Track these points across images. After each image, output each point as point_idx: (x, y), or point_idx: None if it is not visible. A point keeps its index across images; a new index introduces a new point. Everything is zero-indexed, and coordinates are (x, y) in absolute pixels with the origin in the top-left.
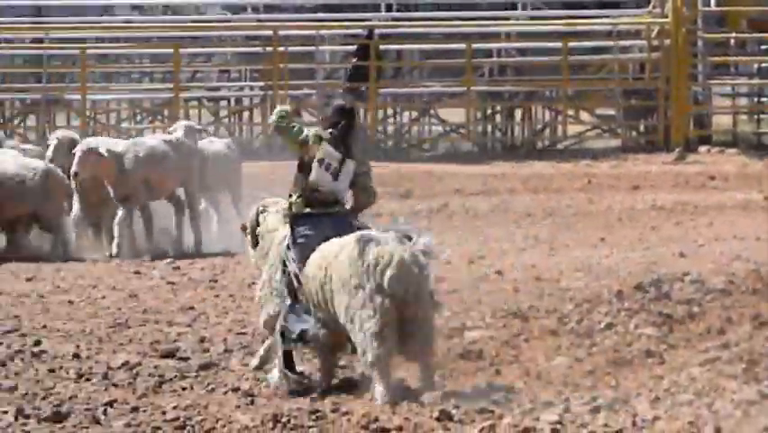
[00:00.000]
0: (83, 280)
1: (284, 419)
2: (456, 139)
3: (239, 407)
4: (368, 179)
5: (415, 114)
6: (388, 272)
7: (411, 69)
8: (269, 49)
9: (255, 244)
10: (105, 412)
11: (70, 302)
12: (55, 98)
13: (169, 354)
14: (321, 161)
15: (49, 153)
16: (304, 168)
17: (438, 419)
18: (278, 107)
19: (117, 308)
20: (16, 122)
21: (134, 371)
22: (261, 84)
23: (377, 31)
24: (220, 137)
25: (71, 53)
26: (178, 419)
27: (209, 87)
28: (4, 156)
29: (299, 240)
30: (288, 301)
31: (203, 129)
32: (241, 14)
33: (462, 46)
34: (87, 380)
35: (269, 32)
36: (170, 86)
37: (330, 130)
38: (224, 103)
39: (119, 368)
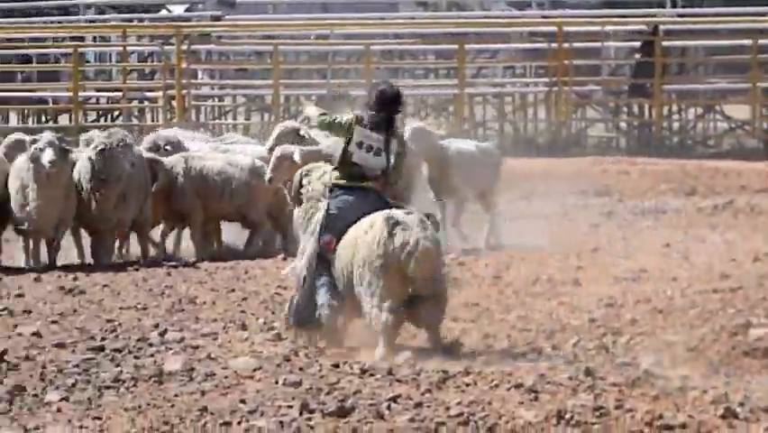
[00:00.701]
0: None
1: (567, 416)
2: (741, 135)
3: (522, 403)
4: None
5: (699, 110)
6: (413, 262)
7: (696, 66)
8: (553, 45)
9: (299, 203)
10: (388, 407)
11: None
12: (340, 94)
13: (452, 350)
14: (360, 144)
15: (269, 143)
16: (348, 146)
17: (723, 417)
18: (308, 110)
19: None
20: (299, 119)
21: (418, 367)
22: (546, 80)
23: (662, 27)
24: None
25: (356, 49)
26: (461, 414)
27: (494, 84)
28: (214, 154)
29: (332, 211)
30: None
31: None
32: (525, 11)
33: (748, 42)
34: (371, 375)
35: (554, 29)
36: (455, 82)
37: (371, 113)
38: (508, 99)
39: (403, 364)
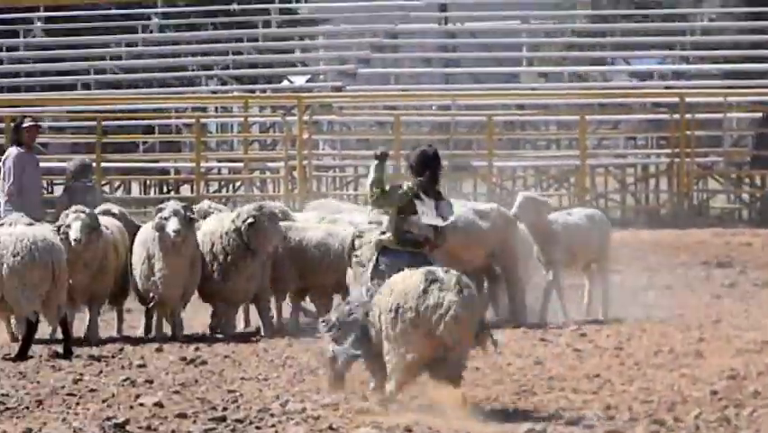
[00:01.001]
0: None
1: None
2: None
3: None
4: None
5: None
6: (442, 324)
7: None
8: (675, 116)
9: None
10: None
11: (477, 369)
12: (462, 165)
13: (574, 422)
14: (422, 212)
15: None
16: (401, 212)
17: None
18: (369, 180)
19: (523, 374)
20: None
21: None
22: (668, 151)
23: None
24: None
25: (478, 120)
26: None
27: (615, 155)
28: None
29: (380, 267)
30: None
31: None
32: (647, 81)
33: None
34: None
35: (676, 99)
36: (577, 153)
37: (420, 178)
38: (630, 170)
39: None
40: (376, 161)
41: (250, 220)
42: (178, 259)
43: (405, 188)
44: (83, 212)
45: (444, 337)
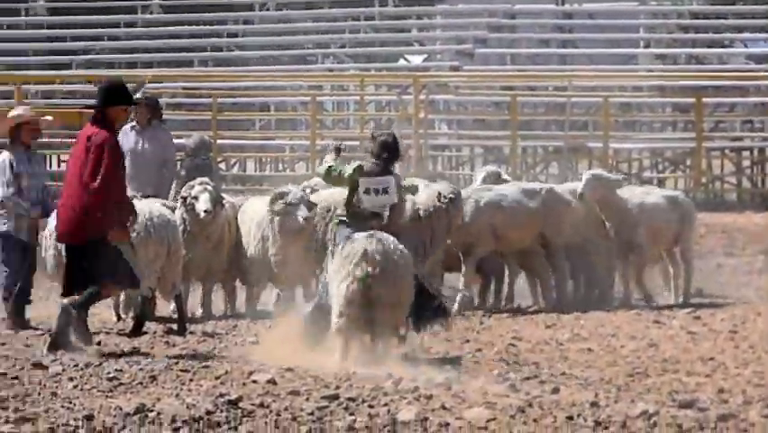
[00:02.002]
0: (603, 329)
1: None
2: None
3: None
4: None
5: None
6: (353, 263)
7: None
8: None
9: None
10: None
11: (589, 350)
12: (577, 146)
13: (687, 405)
14: (367, 191)
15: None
16: (351, 192)
17: None
18: (323, 165)
19: (636, 357)
20: (539, 169)
21: (652, 420)
22: None
23: None
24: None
25: (594, 101)
26: None
27: (732, 138)
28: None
29: (337, 241)
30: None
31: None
32: (764, 64)
33: None
34: (605, 428)
35: None
36: (693, 135)
37: (375, 161)
38: (746, 153)
39: (637, 417)
40: (333, 153)
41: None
42: (299, 244)
43: (352, 168)
44: (208, 184)
45: (357, 275)
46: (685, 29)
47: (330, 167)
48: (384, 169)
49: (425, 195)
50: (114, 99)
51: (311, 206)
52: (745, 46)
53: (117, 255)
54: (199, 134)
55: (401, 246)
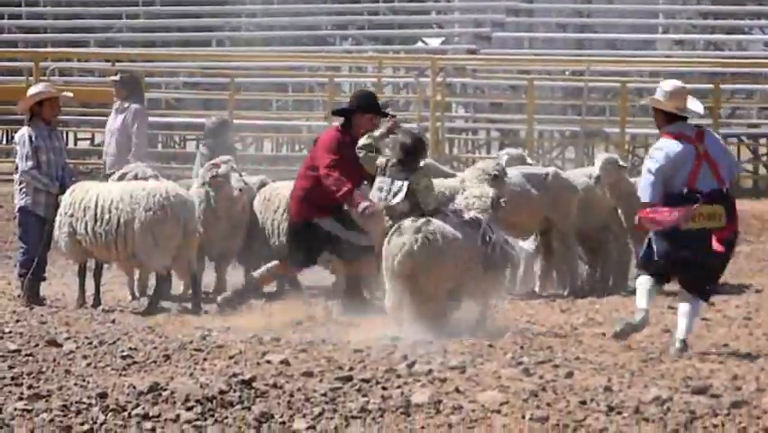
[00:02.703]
0: (617, 314)
1: None
2: None
3: None
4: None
5: None
6: (397, 259)
7: None
8: None
9: None
10: None
11: (603, 335)
12: (594, 131)
13: (700, 391)
14: (380, 189)
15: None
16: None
17: None
18: (366, 138)
19: (650, 342)
20: (555, 153)
21: (665, 406)
22: None
23: None
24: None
25: (611, 86)
26: None
27: (749, 124)
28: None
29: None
30: None
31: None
32: None
33: None
34: (618, 413)
35: None
36: (710, 121)
37: (395, 161)
38: (763, 140)
39: (650, 403)
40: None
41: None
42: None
43: (379, 162)
44: (234, 163)
45: (402, 270)
46: (704, 15)
47: (369, 145)
48: (402, 171)
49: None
50: (364, 107)
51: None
52: (764, 33)
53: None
54: (220, 116)
55: (448, 232)
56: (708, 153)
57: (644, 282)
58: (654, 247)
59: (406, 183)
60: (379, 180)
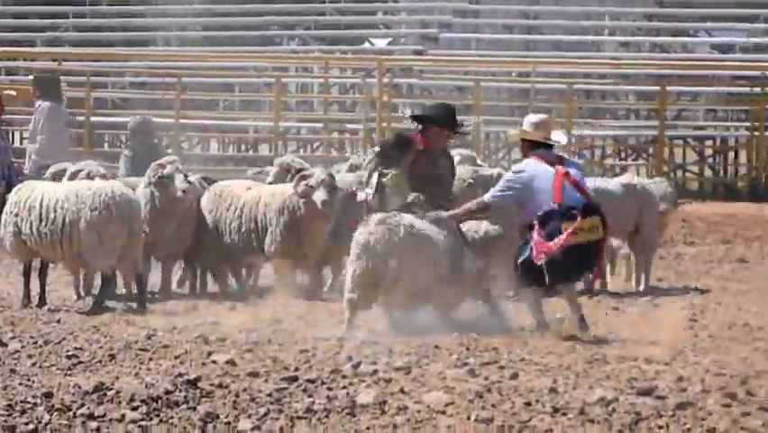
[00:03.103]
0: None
1: None
2: None
3: None
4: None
5: None
6: (357, 250)
7: None
8: (756, 89)
9: None
10: None
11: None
12: None
13: (646, 392)
14: (361, 183)
15: (270, 178)
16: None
17: None
18: (391, 176)
19: (596, 343)
20: (501, 154)
21: (610, 407)
22: (747, 124)
23: None
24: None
25: (557, 88)
26: None
27: (695, 126)
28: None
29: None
30: None
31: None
32: (729, 54)
33: None
34: (563, 414)
35: (758, 73)
36: (656, 123)
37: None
38: (709, 142)
39: (595, 404)
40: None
41: None
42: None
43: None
44: (178, 163)
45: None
46: (650, 17)
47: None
48: (378, 165)
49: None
50: (440, 119)
51: (332, 190)
52: (710, 35)
53: None
54: (141, 116)
55: (417, 228)
56: (569, 173)
57: (531, 294)
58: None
59: (376, 176)
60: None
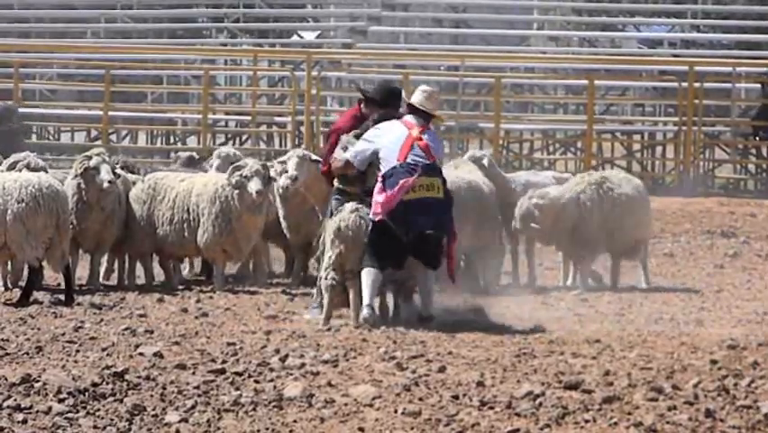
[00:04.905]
0: (491, 310)
1: None
2: None
3: None
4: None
5: None
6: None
7: None
8: (684, 84)
9: None
10: None
11: (476, 330)
12: (469, 126)
13: (573, 386)
14: (344, 147)
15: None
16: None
17: None
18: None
19: (523, 337)
20: None
21: (537, 401)
22: (675, 119)
23: None
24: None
25: (486, 82)
26: None
27: (623, 121)
28: None
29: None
30: None
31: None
32: (657, 49)
33: None
34: (491, 408)
35: (685, 68)
36: (584, 118)
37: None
38: (637, 137)
39: (522, 398)
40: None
41: None
42: (258, 218)
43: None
44: (106, 155)
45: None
46: (578, 12)
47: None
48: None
49: None
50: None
51: (268, 180)
52: (638, 30)
53: None
54: (3, 103)
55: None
56: (423, 140)
57: (369, 274)
58: (381, 242)
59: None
60: (344, 140)
